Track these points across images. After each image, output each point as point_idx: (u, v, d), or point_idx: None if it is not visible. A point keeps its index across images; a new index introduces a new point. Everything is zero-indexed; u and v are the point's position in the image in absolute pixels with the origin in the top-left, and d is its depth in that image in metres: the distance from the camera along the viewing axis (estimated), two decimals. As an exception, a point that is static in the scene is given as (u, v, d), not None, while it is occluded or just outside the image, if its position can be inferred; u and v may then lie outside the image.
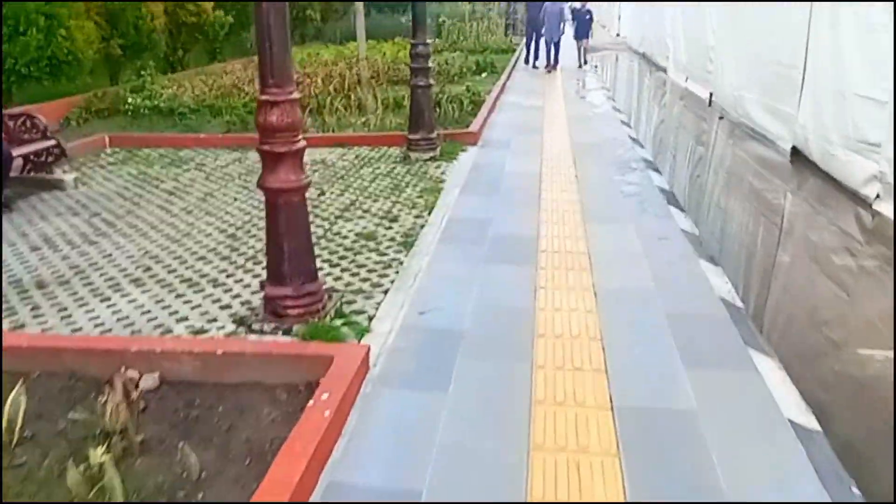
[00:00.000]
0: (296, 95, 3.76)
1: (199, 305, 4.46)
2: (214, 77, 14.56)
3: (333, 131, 9.64)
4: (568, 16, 18.10)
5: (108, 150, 9.30)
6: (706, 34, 10.86)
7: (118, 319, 4.29)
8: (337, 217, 6.15)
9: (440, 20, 25.26)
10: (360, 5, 10.71)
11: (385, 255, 5.26)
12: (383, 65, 14.60)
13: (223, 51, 19.63)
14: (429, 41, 8.23)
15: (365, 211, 6.30)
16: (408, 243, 5.46)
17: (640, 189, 7.07)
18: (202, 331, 4.10)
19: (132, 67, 14.07)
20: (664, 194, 6.92)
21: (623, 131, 10.27)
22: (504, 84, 14.50)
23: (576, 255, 5.22)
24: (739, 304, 4.57)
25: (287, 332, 3.96)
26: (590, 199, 6.60)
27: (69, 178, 7.40)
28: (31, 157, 7.32)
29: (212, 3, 17.30)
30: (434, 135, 8.35)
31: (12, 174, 7.23)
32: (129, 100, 11.54)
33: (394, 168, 7.88)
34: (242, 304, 4.47)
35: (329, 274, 4.90)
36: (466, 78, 14.94)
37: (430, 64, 8.31)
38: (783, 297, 4.11)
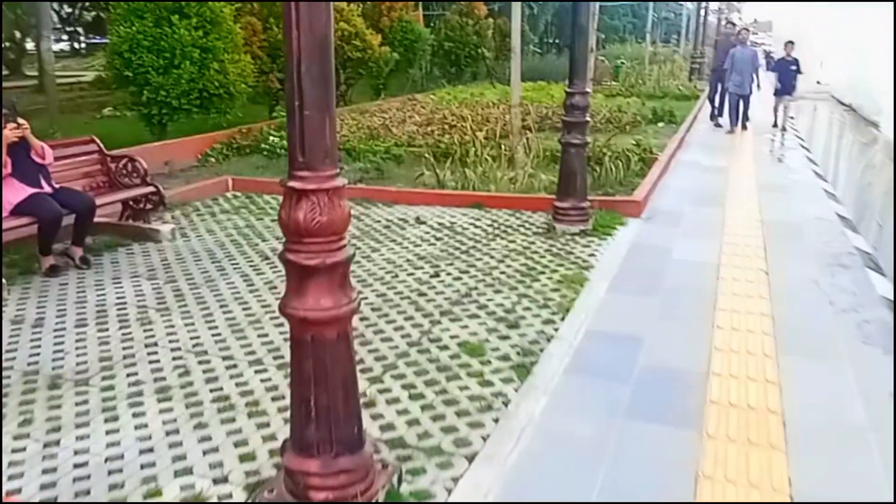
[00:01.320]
0: (338, 182, 2.47)
1: (216, 448, 3.26)
2: (369, 115, 13.92)
3: (474, 188, 8.37)
4: (762, 62, 15.46)
5: (230, 194, 8.57)
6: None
7: (107, 458, 3.18)
8: (443, 313, 4.82)
9: (619, 62, 23.63)
10: (516, 45, 9.43)
11: (488, 384, 3.85)
12: (545, 111, 13.25)
13: (388, 87, 19.21)
14: (588, 89, 6.75)
15: (481, 307, 4.91)
16: (523, 368, 4.02)
17: (857, 301, 5.19)
18: (199, 499, 2.89)
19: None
20: (893, 311, 5.02)
21: (829, 207, 8.24)
22: (682, 138, 12.63)
23: (762, 415, 3.54)
24: None
25: (305, 528, 2.66)
26: (785, 315, 4.82)
27: (166, 228, 6.62)
28: (130, 202, 6.65)
29: (378, 39, 16.87)
30: (586, 203, 6.83)
31: (109, 220, 6.61)
32: (270, 138, 10.99)
33: (533, 243, 6.44)
34: (271, 453, 3.23)
35: (403, 412, 3.57)
36: (640, 128, 13.27)
37: (588, 118, 6.82)
38: None
